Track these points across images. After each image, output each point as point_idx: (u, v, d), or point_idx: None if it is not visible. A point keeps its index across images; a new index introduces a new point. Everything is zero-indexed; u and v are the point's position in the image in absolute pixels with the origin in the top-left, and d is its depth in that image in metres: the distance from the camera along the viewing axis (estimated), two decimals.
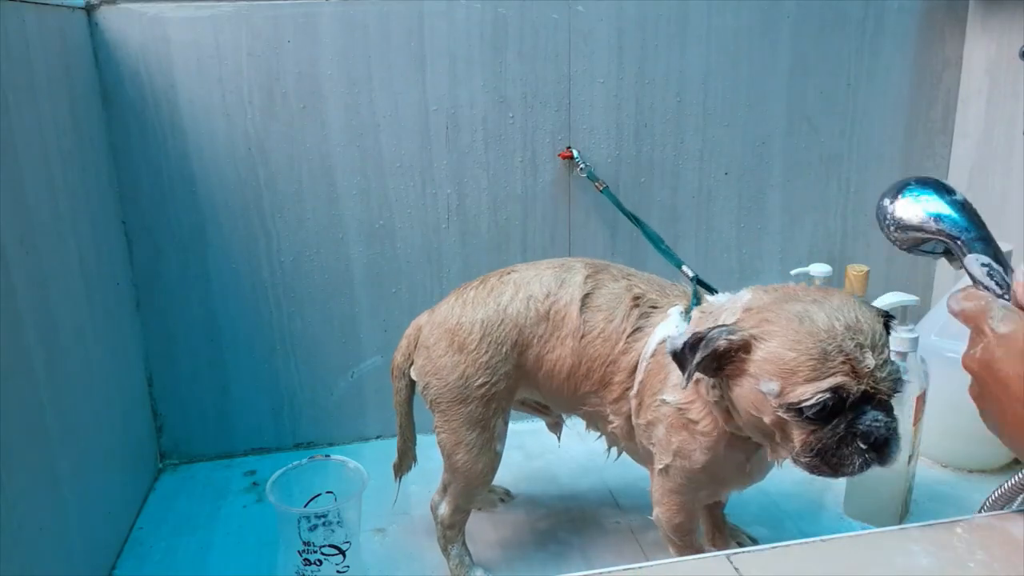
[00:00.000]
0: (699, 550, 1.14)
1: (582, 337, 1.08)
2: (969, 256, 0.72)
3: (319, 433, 1.64)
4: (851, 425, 0.85)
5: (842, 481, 1.37)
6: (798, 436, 0.87)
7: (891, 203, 0.79)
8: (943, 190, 0.77)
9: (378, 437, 1.65)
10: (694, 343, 0.89)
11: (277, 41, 1.42)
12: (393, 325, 1.57)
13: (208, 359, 1.56)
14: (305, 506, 1.16)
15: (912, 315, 1.62)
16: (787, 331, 0.86)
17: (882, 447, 0.86)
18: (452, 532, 1.21)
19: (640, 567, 0.59)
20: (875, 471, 0.88)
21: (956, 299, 0.67)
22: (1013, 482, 0.72)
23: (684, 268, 1.20)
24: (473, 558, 1.23)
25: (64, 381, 1.13)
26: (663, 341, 1.03)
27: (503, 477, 1.45)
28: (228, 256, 1.51)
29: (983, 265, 0.71)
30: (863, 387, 0.84)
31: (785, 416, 0.86)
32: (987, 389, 0.63)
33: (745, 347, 0.88)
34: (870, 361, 0.84)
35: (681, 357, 0.91)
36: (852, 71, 1.64)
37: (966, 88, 1.67)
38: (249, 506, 1.45)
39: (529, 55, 1.51)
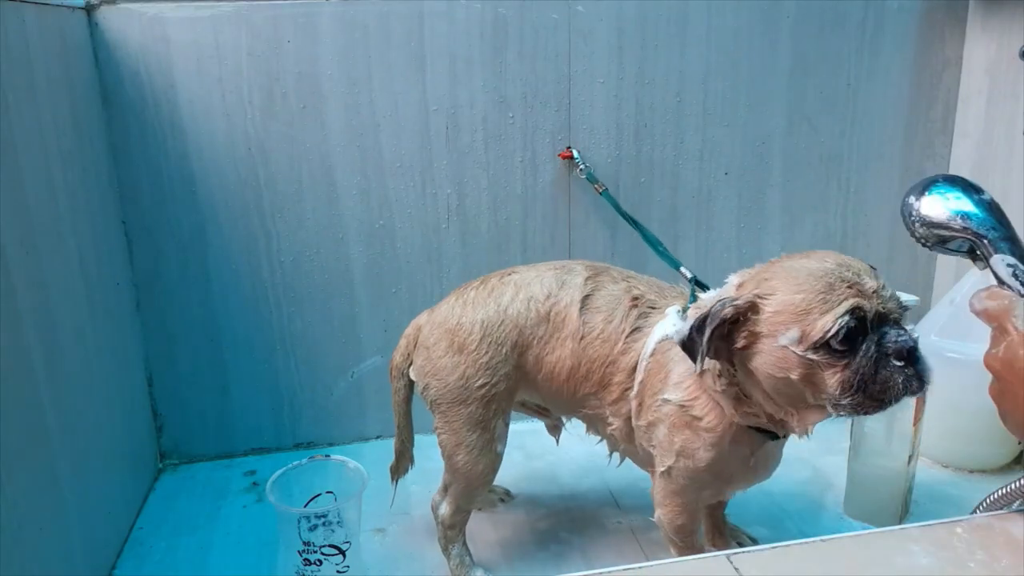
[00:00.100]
0: (700, 550, 1.14)
1: (582, 338, 1.08)
2: (995, 256, 0.73)
3: (319, 433, 1.64)
4: (880, 345, 0.85)
5: (842, 481, 1.37)
6: (833, 379, 0.87)
7: (917, 200, 0.80)
8: (970, 189, 0.78)
9: (378, 437, 1.65)
10: (700, 324, 0.90)
11: (277, 41, 1.42)
12: (393, 325, 1.57)
13: (208, 359, 1.56)
14: (305, 506, 1.16)
15: (912, 315, 1.62)
16: (788, 281, 0.88)
17: (915, 361, 0.86)
18: (453, 532, 1.21)
19: (640, 567, 0.59)
20: (878, 472, 0.88)
21: (979, 298, 0.67)
22: (1013, 487, 0.72)
23: (682, 269, 1.20)
24: (473, 558, 1.23)
25: (64, 381, 1.13)
26: (662, 340, 1.03)
27: (504, 477, 1.45)
28: (228, 256, 1.51)
29: (1009, 265, 0.72)
30: (875, 306, 0.85)
31: (814, 357, 0.86)
32: (1008, 387, 0.63)
33: (753, 308, 0.89)
34: (871, 283, 0.86)
35: (690, 342, 0.91)
36: (852, 71, 1.64)
37: (966, 88, 1.67)
38: (249, 506, 1.45)
39: (529, 55, 1.51)
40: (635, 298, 1.08)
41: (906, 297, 1.54)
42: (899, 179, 1.71)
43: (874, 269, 0.93)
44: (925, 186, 0.80)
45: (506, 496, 1.44)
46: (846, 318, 0.84)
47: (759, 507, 1.37)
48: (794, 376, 0.88)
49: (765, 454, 1.03)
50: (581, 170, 1.54)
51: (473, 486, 1.17)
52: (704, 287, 1.11)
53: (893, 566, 0.58)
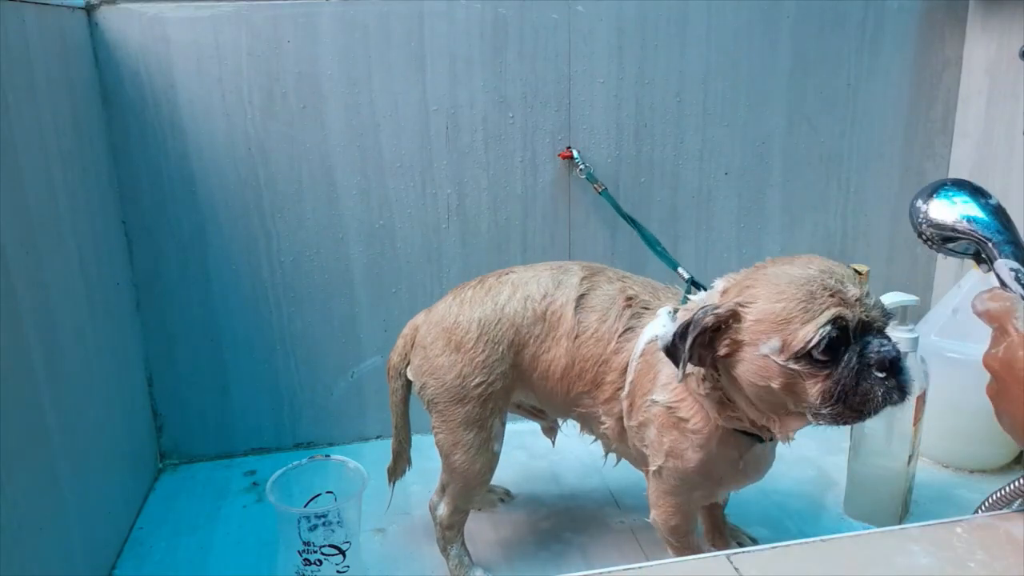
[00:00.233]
0: (697, 550, 1.14)
1: (576, 337, 1.08)
2: (999, 261, 0.75)
3: (319, 433, 1.64)
4: (862, 356, 0.85)
5: (842, 481, 1.37)
6: (814, 388, 0.86)
7: (925, 203, 0.81)
8: (978, 193, 0.80)
9: (378, 437, 1.65)
10: (682, 331, 0.89)
11: (277, 41, 1.42)
12: (393, 325, 1.57)
13: (208, 359, 1.56)
14: (305, 506, 1.16)
15: (912, 315, 1.62)
16: (769, 289, 0.87)
17: (897, 372, 0.85)
18: (451, 532, 1.21)
19: (640, 567, 0.59)
20: (878, 472, 0.88)
21: (981, 299, 0.68)
22: (1013, 487, 0.72)
23: (680, 270, 1.21)
24: (473, 558, 1.23)
25: (64, 381, 1.13)
26: (652, 340, 1.03)
27: (505, 477, 1.46)
28: (228, 256, 1.51)
29: (1012, 270, 0.74)
30: (858, 315, 0.84)
31: (795, 367, 0.85)
32: (1006, 388, 0.64)
33: (734, 316, 0.88)
34: (854, 291, 0.85)
35: (673, 348, 0.91)
36: (852, 71, 1.64)
37: (966, 88, 1.67)
38: (249, 506, 1.45)
39: (529, 55, 1.51)
40: (629, 298, 1.08)
41: (906, 297, 1.55)
42: (899, 179, 1.71)
43: (860, 274, 0.92)
44: (933, 190, 0.81)
45: (506, 496, 1.44)
46: (827, 328, 0.83)
47: (759, 507, 1.37)
48: (775, 385, 0.87)
49: (755, 456, 1.03)
50: (581, 170, 1.54)
51: (470, 486, 1.17)
52: (701, 287, 1.11)
53: (893, 566, 0.58)
